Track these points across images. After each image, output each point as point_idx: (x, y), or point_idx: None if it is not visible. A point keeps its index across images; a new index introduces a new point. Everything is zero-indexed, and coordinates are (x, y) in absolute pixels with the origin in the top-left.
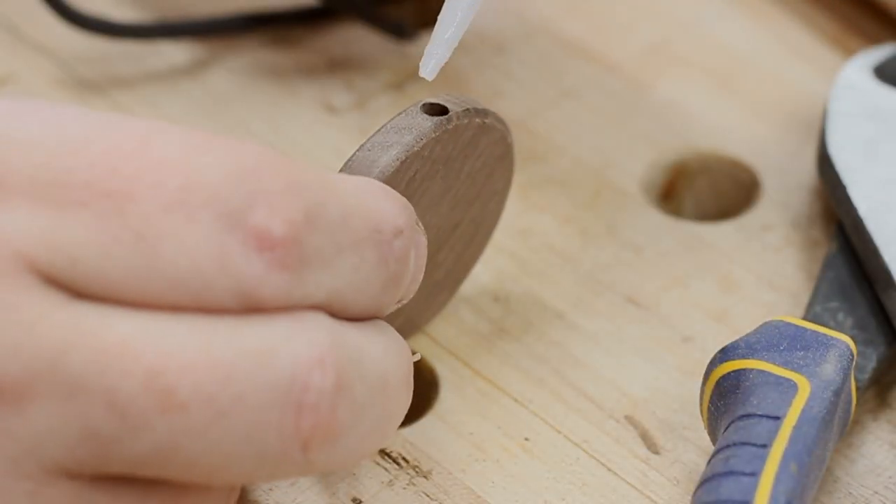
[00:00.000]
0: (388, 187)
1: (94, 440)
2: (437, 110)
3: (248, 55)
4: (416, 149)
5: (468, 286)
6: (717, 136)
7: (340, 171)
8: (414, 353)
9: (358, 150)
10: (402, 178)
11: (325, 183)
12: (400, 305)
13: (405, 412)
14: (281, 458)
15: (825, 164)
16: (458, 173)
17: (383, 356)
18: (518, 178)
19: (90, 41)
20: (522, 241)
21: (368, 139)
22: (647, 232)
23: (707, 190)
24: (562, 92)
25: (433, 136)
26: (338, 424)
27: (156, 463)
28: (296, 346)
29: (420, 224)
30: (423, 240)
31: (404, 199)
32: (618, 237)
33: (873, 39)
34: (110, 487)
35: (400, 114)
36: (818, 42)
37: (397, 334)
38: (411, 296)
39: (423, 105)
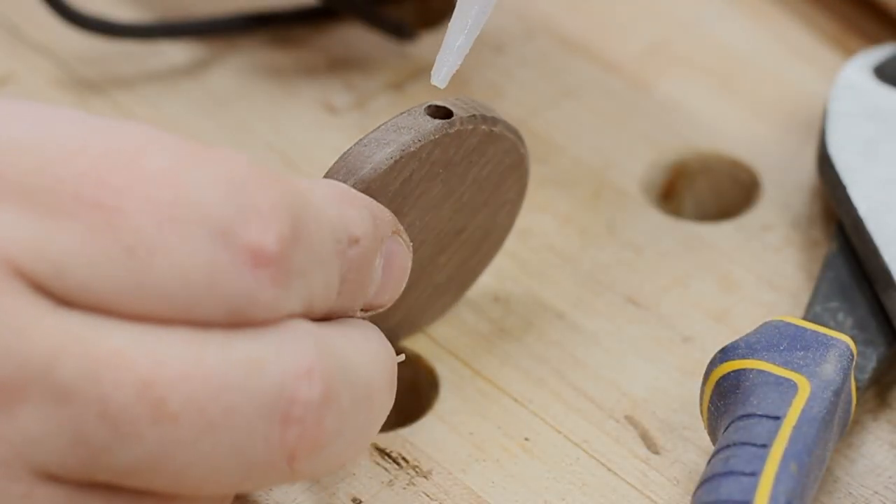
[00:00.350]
0: (351, 192)
1: (84, 447)
2: (442, 113)
3: (249, 55)
4: (412, 149)
5: None
6: (717, 136)
7: (335, 164)
8: (399, 353)
9: (355, 145)
10: (397, 177)
11: (303, 194)
12: (376, 311)
13: (387, 415)
14: (268, 469)
15: (825, 164)
16: (463, 178)
17: (369, 362)
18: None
19: (90, 41)
20: (522, 242)
21: (367, 135)
22: (647, 232)
23: (707, 190)
24: (562, 92)
25: (432, 138)
26: (324, 435)
27: (145, 473)
28: (284, 357)
29: (403, 234)
30: (402, 249)
31: (370, 207)
32: (618, 237)
33: (873, 39)
34: (102, 493)
35: (403, 113)
36: (818, 42)
37: (382, 336)
38: (391, 301)
39: (429, 107)
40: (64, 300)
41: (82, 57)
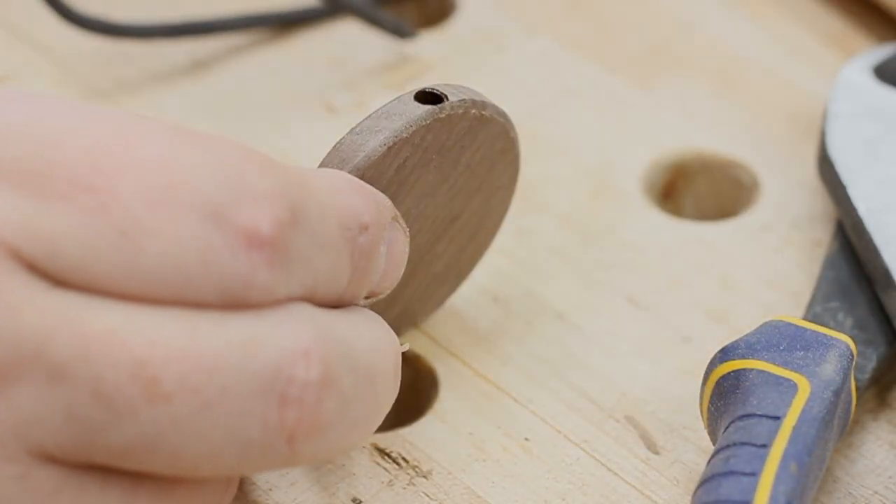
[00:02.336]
0: (357, 181)
1: (78, 426)
2: (432, 98)
3: (249, 55)
4: (404, 135)
5: (468, 286)
6: (717, 136)
7: (329, 153)
8: (402, 343)
9: (347, 134)
10: (391, 164)
11: (304, 181)
12: (376, 298)
13: (392, 403)
14: (266, 449)
15: (825, 164)
16: (455, 164)
17: (372, 348)
18: (518, 178)
19: (90, 41)
20: (522, 241)
21: (359, 123)
22: (647, 232)
23: (707, 190)
24: (562, 92)
25: (424, 123)
26: (324, 417)
27: (141, 453)
28: (281, 338)
29: (400, 220)
30: (400, 235)
31: (375, 195)
32: (618, 237)
33: (873, 40)
34: (99, 475)
35: (393, 100)
36: (818, 42)
37: (386, 325)
38: (390, 288)
39: (418, 93)
40: (58, 281)
41: (82, 57)
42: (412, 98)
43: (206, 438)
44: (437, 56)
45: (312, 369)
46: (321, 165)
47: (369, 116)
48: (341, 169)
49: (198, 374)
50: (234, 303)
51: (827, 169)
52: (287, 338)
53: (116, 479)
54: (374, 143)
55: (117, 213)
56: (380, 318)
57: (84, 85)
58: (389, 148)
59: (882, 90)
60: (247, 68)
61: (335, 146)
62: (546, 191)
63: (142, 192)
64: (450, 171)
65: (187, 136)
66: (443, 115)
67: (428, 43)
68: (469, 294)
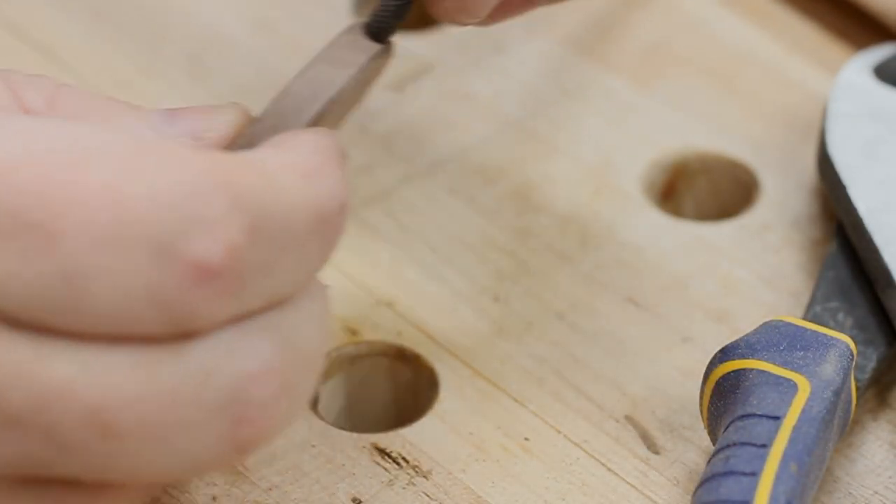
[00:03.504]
0: (329, 155)
1: (27, 462)
2: (376, 34)
3: (249, 54)
4: (367, 70)
5: (468, 286)
6: (717, 136)
7: (294, 84)
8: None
9: (310, 67)
10: (333, 107)
11: (267, 182)
12: None
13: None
14: (216, 461)
15: (825, 164)
16: (365, 86)
17: (315, 334)
18: (518, 178)
19: (91, 41)
20: (522, 241)
21: (317, 56)
22: (647, 232)
23: (707, 190)
24: (562, 91)
25: (380, 59)
26: (276, 426)
27: (88, 479)
28: (237, 361)
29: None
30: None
31: (341, 160)
32: (618, 237)
33: (872, 39)
34: (32, 487)
35: (343, 33)
36: (818, 42)
37: (324, 294)
38: None
39: (366, 28)
40: (8, 321)
41: (82, 57)
42: (364, 34)
43: (158, 463)
44: (437, 56)
45: (269, 385)
46: (290, 96)
47: (327, 48)
48: (315, 101)
49: (153, 414)
50: (189, 332)
51: (827, 169)
52: (243, 360)
53: (48, 487)
54: (345, 76)
55: (61, 255)
56: (319, 289)
57: (84, 85)
58: (339, 93)
59: (882, 90)
60: (247, 68)
61: (302, 78)
62: (546, 191)
63: (87, 231)
64: (361, 94)
65: (141, 156)
66: (390, 54)
67: (428, 43)
68: (469, 294)
